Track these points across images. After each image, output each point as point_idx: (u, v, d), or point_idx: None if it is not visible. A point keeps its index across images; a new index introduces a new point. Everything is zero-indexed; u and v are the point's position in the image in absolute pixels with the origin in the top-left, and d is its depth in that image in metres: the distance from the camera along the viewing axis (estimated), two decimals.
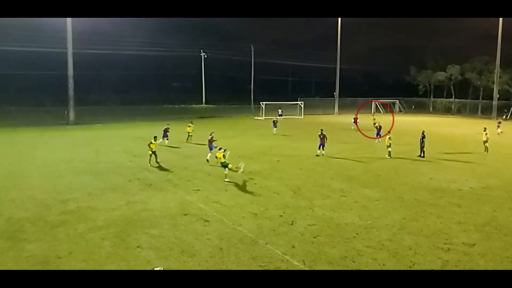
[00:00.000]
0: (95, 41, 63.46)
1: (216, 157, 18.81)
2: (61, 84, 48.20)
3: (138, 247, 10.59)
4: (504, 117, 58.18)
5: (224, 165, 18.01)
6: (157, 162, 21.68)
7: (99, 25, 64.10)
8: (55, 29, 49.82)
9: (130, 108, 57.29)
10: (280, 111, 56.48)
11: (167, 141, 28.69)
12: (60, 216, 12.98)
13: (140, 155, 24.55)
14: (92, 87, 69.19)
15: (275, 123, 37.61)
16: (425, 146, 24.61)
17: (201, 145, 27.03)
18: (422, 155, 24.42)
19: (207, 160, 21.99)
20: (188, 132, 31.25)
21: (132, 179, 18.10)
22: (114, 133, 36.54)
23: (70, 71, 45.43)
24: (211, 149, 23.20)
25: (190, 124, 31.83)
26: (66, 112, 45.69)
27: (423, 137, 24.80)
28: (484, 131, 27.02)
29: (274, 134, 36.01)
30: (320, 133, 24.58)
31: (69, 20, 44.10)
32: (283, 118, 52.61)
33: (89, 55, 62.15)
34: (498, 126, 40.14)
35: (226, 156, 18.45)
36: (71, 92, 45.71)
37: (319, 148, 24.33)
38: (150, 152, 21.54)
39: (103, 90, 74.50)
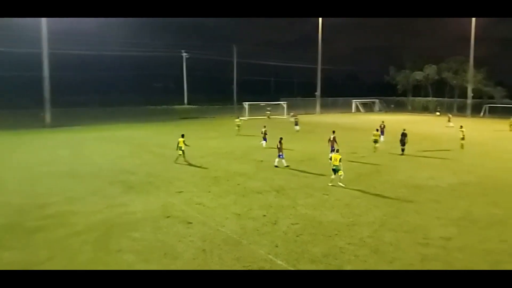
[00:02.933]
0: (74, 42, 62.24)
1: (331, 159, 17.48)
2: (38, 86, 47.00)
3: (119, 251, 10.45)
4: (437, 113, 64.11)
5: (336, 170, 16.89)
6: (177, 162, 22.03)
7: (77, 25, 62.93)
8: (30, 28, 48.53)
9: (111, 109, 56.31)
10: (269, 108, 56.97)
11: (265, 143, 27.90)
12: (38, 222, 12.67)
13: (121, 157, 24.23)
14: (71, 88, 67.83)
15: (296, 123, 39.87)
16: (405, 144, 25.21)
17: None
18: (402, 152, 25.01)
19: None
20: (238, 125, 37.01)
21: (113, 182, 17.84)
22: (94, 135, 35.86)
23: (46, 72, 44.28)
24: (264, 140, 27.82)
25: (237, 118, 38.68)
26: (42, 114, 44.54)
27: (404, 135, 25.38)
28: (461, 128, 27.88)
29: (297, 131, 38.30)
30: (330, 137, 23.58)
31: (44, 19, 43.01)
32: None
33: (67, 55, 60.89)
34: (449, 120, 44.74)
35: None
36: (47, 93, 44.57)
37: (331, 151, 23.03)
38: (180, 152, 22.14)
39: (82, 92, 73.14)
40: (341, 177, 17.08)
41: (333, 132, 24.14)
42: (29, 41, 51.70)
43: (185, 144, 22.37)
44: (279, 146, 21.15)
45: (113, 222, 12.58)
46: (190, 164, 21.80)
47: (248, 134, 36.01)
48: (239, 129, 36.77)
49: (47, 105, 44.50)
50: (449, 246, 10.78)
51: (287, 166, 20.95)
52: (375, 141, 26.48)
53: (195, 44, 79.19)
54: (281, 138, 21.57)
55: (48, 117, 44.25)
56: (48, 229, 12.01)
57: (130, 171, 20.19)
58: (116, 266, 9.60)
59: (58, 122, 44.09)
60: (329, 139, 23.66)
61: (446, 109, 67.07)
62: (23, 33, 53.20)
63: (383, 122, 32.33)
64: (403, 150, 25.16)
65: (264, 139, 28.25)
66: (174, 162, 22.06)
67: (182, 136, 22.71)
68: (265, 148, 27.84)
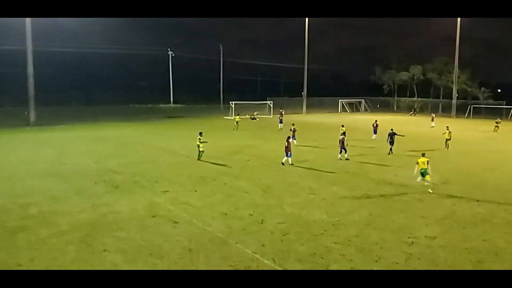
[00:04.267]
0: (58, 39, 61.10)
1: (418, 163, 16.63)
2: (21, 84, 45.97)
3: (104, 250, 10.30)
4: (411, 113, 67.40)
5: (424, 174, 16.32)
6: (200, 159, 22.53)
7: (61, 22, 61.65)
8: (13, 25, 47.45)
9: (95, 108, 55.59)
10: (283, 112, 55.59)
11: (295, 141, 27.94)
12: (20, 222, 12.38)
13: (106, 156, 23.89)
14: (54, 86, 66.41)
15: (281, 120, 40.79)
16: (393, 144, 25.63)
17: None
18: (390, 152, 25.41)
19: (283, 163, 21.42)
20: (237, 121, 39.77)
21: (98, 181, 17.57)
22: (78, 134, 35.29)
23: (30, 70, 43.34)
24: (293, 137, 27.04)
25: (237, 115, 41.76)
26: (26, 112, 43.62)
27: (392, 134, 25.80)
28: (447, 129, 28.24)
29: (280, 129, 38.54)
30: (340, 138, 23.34)
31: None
32: (258, 117, 53.30)
33: (52, 53, 59.73)
34: (432, 120, 45.89)
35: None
36: (31, 91, 43.65)
37: (340, 152, 23.11)
38: (202, 149, 22.62)
39: (66, 90, 71.79)
40: (429, 183, 16.36)
41: (344, 133, 23.96)
42: (12, 38, 50.57)
43: (201, 142, 22.56)
44: (286, 145, 21.37)
45: (98, 222, 12.39)
46: (208, 162, 22.09)
47: (237, 133, 36.00)
48: (237, 125, 39.10)
49: (32, 104, 43.59)
50: (434, 245, 10.93)
51: (291, 164, 21.41)
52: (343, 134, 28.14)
53: (180, 43, 78.54)
54: (288, 137, 21.94)
55: (32, 116, 43.36)
56: (31, 229, 11.75)
57: (115, 170, 19.92)
58: (101, 266, 9.45)
59: (42, 121, 43.28)
60: (340, 140, 23.38)
61: (431, 110, 68.14)
62: (5, 30, 51.98)
63: (376, 121, 32.93)
64: (391, 149, 25.56)
65: (293, 136, 28.23)
66: (197, 160, 22.49)
67: (200, 134, 22.96)
68: (252, 147, 27.86)
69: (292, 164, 21.39)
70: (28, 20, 42.16)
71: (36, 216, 12.91)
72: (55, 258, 9.82)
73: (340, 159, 23.09)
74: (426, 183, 16.52)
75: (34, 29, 42.94)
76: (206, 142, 23.08)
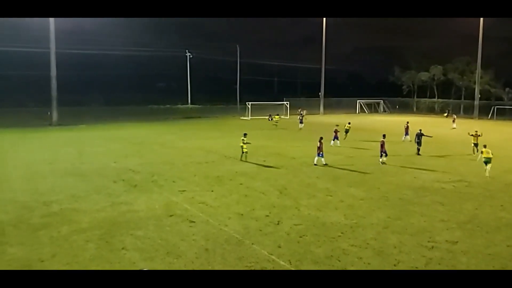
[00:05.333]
0: (79, 41, 62.51)
1: (482, 152, 19.54)
2: (44, 85, 47.22)
3: (123, 248, 10.47)
4: (445, 114, 63.33)
5: (487, 162, 19.04)
6: (242, 159, 22.67)
7: (82, 24, 63.22)
8: (36, 28, 48.87)
9: (115, 108, 56.45)
10: (303, 112, 54.65)
11: (338, 142, 28.55)
12: (43, 219, 12.72)
13: (125, 156, 24.28)
14: (75, 87, 68.02)
15: (301, 120, 41.66)
16: (421, 144, 25.45)
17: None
18: (418, 152, 25.15)
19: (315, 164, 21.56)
20: (276, 121, 43.62)
21: (117, 180, 17.87)
22: (98, 134, 36.02)
23: (53, 71, 44.53)
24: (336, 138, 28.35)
25: (277, 115, 46.21)
26: (49, 113, 44.80)
27: (420, 134, 25.62)
28: (476, 133, 27.12)
29: (300, 129, 40.06)
30: (381, 141, 22.86)
31: (52, 19, 43.25)
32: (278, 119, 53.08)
33: (73, 55, 61.16)
34: (453, 121, 44.44)
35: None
36: (54, 92, 44.82)
37: (381, 156, 22.55)
38: (245, 150, 22.79)
39: (87, 91, 73.33)
40: (488, 169, 19.20)
41: (384, 136, 23.54)
42: (35, 41, 52.00)
43: (244, 143, 22.78)
44: (319, 146, 21.42)
45: (117, 220, 12.60)
46: (250, 163, 22.19)
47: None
48: (277, 124, 42.46)
49: (54, 104, 44.74)
50: (455, 249, 10.67)
51: (325, 164, 21.36)
52: (346, 131, 31.59)
53: (197, 44, 79.12)
54: (321, 138, 21.81)
55: (55, 116, 44.52)
56: (53, 226, 12.05)
57: (133, 169, 20.23)
58: (120, 263, 9.61)
59: (64, 121, 44.34)
60: (381, 143, 22.99)
61: (452, 111, 66.43)
62: (28, 32, 53.54)
63: (407, 122, 32.93)
64: (418, 149, 25.38)
65: (336, 137, 28.47)
66: (240, 160, 22.66)
67: (244, 135, 23.18)
68: (268, 147, 27.81)
69: (326, 164, 21.33)
70: (52, 23, 43.26)
71: (58, 214, 13.23)
72: (75, 255, 10.04)
73: (384, 163, 22.36)
74: (487, 170, 19.14)
75: (55, 31, 44.02)
76: (249, 143, 23.18)
